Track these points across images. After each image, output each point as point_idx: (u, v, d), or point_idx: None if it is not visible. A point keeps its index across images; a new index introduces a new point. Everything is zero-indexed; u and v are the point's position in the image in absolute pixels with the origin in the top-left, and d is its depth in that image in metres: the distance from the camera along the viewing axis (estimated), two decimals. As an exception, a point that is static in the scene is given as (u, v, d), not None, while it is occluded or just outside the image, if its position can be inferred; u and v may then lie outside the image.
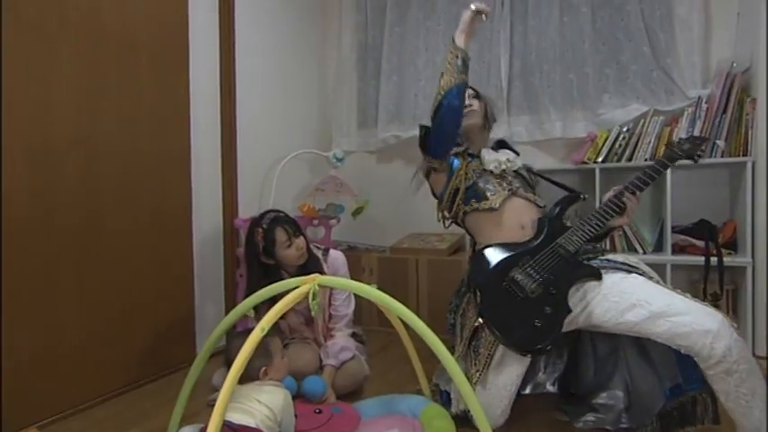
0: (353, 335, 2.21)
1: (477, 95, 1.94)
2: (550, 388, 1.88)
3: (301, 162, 3.19)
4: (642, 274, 1.54)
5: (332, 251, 2.18)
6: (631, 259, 1.62)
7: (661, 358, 1.50)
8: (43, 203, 1.80)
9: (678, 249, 2.48)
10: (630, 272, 1.53)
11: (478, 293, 1.60)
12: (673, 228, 2.47)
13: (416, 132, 3.02)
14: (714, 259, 2.32)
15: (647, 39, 2.58)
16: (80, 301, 1.92)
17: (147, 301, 2.20)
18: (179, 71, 2.37)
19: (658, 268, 2.57)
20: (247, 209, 2.73)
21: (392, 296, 3.04)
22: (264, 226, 1.97)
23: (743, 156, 2.33)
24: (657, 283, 1.51)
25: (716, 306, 2.35)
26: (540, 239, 1.61)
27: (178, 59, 2.37)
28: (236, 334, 1.42)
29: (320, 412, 1.72)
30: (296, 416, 1.65)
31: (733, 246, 2.40)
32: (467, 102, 1.83)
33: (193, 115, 2.44)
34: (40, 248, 1.79)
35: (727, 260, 2.31)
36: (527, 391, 1.87)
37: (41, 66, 1.80)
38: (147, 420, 1.81)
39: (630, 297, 1.43)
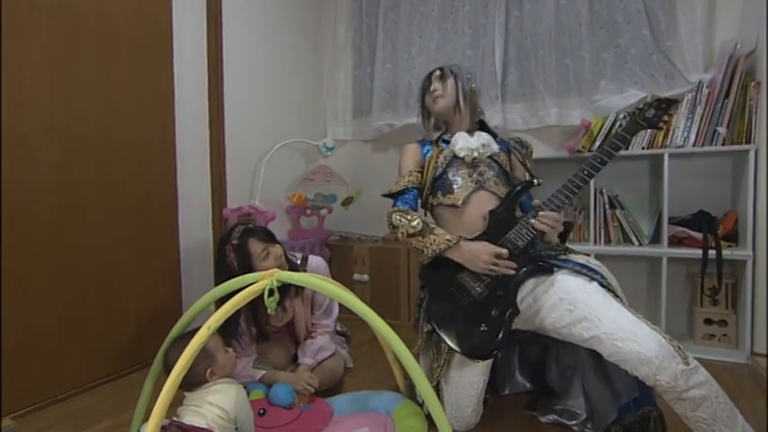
0: (336, 332, 2.18)
1: (443, 75, 1.79)
2: (528, 387, 1.83)
3: (294, 151, 3.15)
4: (603, 279, 1.47)
5: (312, 259, 2.07)
6: (593, 262, 1.55)
7: (618, 372, 1.43)
8: (16, 195, 1.79)
9: (675, 242, 2.37)
10: (592, 279, 1.45)
11: (427, 297, 1.59)
12: (670, 219, 2.36)
13: (410, 120, 3.01)
14: (713, 252, 2.23)
15: (647, 21, 2.45)
16: (58, 293, 1.92)
17: (130, 293, 2.20)
18: (162, 57, 2.34)
19: (654, 261, 2.51)
20: (237, 198, 2.71)
21: (382, 287, 3.03)
22: (235, 241, 1.81)
23: (746, 143, 2.21)
24: (614, 293, 1.44)
25: (714, 301, 2.32)
26: (488, 236, 1.55)
27: (161, 45, 2.33)
28: (174, 342, 1.39)
29: (290, 408, 1.70)
30: (264, 411, 1.64)
31: (734, 238, 2.29)
32: (431, 87, 1.78)
33: (178, 103, 2.42)
34: (13, 241, 1.79)
35: (726, 253, 2.22)
36: (506, 391, 1.82)
37: (9, 53, 1.77)
38: (123, 412, 1.80)
39: (584, 309, 1.35)
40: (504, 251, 1.48)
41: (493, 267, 1.47)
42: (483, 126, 1.84)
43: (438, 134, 1.81)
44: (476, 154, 1.67)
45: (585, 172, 1.47)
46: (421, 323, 1.68)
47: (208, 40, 2.59)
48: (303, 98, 3.30)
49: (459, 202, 1.64)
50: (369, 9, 3.22)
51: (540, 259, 1.53)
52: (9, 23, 1.77)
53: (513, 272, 1.48)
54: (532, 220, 1.48)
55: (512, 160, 1.79)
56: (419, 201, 1.79)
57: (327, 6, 3.41)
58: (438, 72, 1.81)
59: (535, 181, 1.60)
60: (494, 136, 1.79)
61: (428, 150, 1.80)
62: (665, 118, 1.45)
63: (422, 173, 1.77)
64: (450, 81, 1.77)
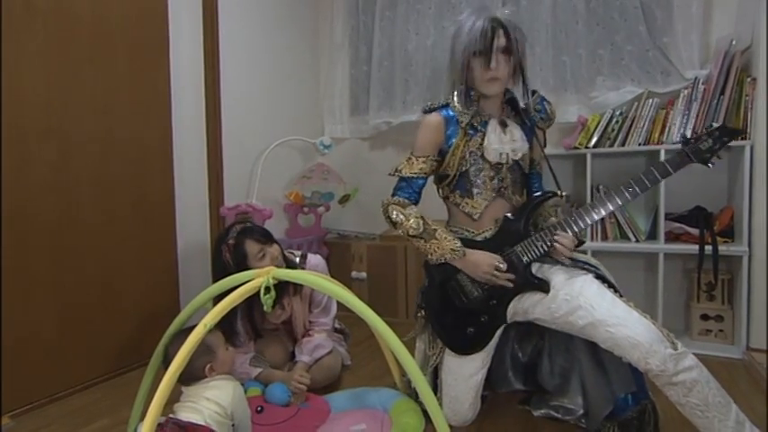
0: (335, 329, 2.19)
1: (508, 48, 1.47)
2: (520, 387, 1.83)
3: (292, 149, 3.15)
4: (600, 275, 1.47)
5: (311, 257, 2.07)
6: (591, 261, 1.56)
7: (615, 365, 1.44)
8: (14, 197, 1.79)
9: (672, 238, 2.38)
10: (588, 272, 1.46)
11: (426, 283, 1.60)
12: (667, 215, 2.37)
13: (408, 118, 3.01)
14: (709, 248, 2.24)
15: (644, 17, 2.46)
16: (57, 294, 1.93)
17: (129, 293, 2.20)
18: (158, 57, 2.34)
19: (651, 257, 2.51)
20: (234, 196, 2.71)
21: (380, 285, 3.03)
22: (231, 241, 1.83)
23: (741, 139, 2.21)
24: (610, 287, 1.44)
25: (711, 296, 2.33)
26: (497, 242, 1.53)
27: (157, 45, 2.33)
28: (175, 338, 1.40)
29: (287, 406, 1.70)
30: (262, 409, 1.65)
31: (730, 233, 2.29)
32: (492, 62, 1.44)
33: (175, 102, 2.41)
34: (13, 240, 1.79)
35: (722, 249, 2.23)
36: (501, 389, 1.82)
37: (6, 54, 1.77)
38: (121, 410, 1.80)
39: (579, 298, 1.37)
40: (503, 265, 1.47)
41: (492, 279, 1.48)
42: (513, 104, 1.63)
43: (470, 112, 1.57)
44: (503, 159, 1.56)
45: (614, 201, 1.42)
46: (419, 309, 1.68)
47: (204, 38, 2.58)
48: (300, 96, 3.29)
49: (477, 215, 1.59)
50: (365, 7, 3.22)
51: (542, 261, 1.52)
52: (6, 25, 1.76)
53: (510, 284, 1.48)
54: (553, 237, 1.45)
55: (533, 143, 1.64)
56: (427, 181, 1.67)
57: (324, 4, 3.40)
58: (503, 40, 1.46)
59: (560, 193, 1.54)
60: (523, 121, 1.61)
61: (452, 131, 1.58)
62: (721, 154, 1.36)
63: (440, 161, 1.61)
64: (509, 57, 1.49)
